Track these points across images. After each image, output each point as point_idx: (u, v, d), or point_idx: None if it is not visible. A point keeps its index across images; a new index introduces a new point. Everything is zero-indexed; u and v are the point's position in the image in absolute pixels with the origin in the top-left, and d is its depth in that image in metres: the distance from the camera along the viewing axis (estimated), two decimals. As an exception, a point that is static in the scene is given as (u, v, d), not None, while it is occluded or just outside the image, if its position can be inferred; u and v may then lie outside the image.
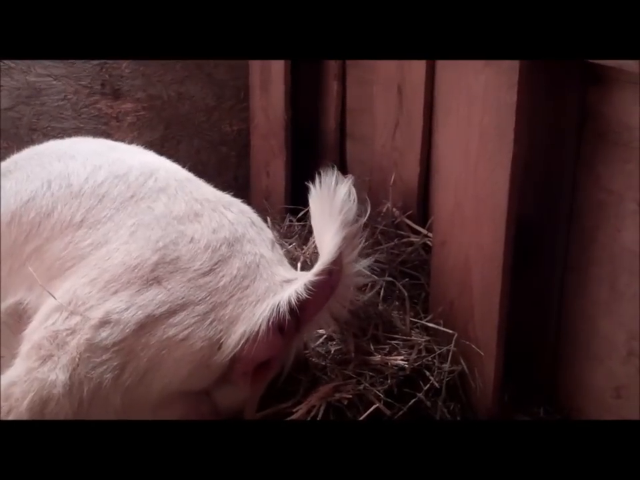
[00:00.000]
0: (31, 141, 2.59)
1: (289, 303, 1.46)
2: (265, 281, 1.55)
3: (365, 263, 1.62)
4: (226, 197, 1.76)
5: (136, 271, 1.50)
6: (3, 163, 1.87)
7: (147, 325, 1.45)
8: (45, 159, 1.77)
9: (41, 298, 1.55)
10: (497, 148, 1.64)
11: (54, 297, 1.49)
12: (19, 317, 1.58)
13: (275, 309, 1.47)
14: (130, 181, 1.67)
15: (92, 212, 1.62)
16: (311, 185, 1.58)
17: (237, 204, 1.75)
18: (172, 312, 1.46)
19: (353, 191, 1.55)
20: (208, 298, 1.49)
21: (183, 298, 1.48)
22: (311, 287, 1.47)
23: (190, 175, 1.82)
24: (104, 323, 1.44)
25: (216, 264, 1.53)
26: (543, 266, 1.81)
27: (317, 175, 1.57)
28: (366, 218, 1.61)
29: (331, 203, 1.51)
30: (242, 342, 1.46)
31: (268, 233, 1.75)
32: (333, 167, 1.58)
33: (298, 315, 1.52)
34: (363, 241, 1.58)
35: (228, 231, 1.60)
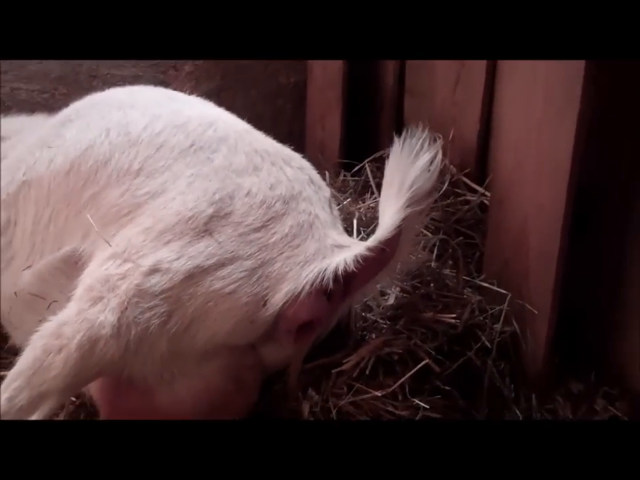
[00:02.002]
0: (90, 88, 2.61)
1: (336, 271, 1.46)
2: (315, 242, 1.54)
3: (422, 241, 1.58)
4: (286, 150, 1.75)
5: (190, 222, 1.50)
6: (65, 111, 1.89)
7: (195, 275, 1.46)
8: (104, 108, 1.78)
9: (95, 245, 1.58)
10: (562, 106, 1.60)
11: (109, 244, 1.51)
12: (74, 264, 1.61)
13: (320, 274, 1.47)
14: (189, 130, 1.67)
15: (149, 161, 1.62)
16: (395, 140, 1.52)
17: (297, 159, 1.74)
18: (220, 265, 1.47)
19: (438, 160, 1.50)
20: (257, 254, 1.49)
21: (232, 252, 1.48)
22: (360, 260, 1.46)
23: (249, 127, 1.81)
24: (154, 270, 1.46)
25: (268, 220, 1.53)
26: (602, 230, 1.77)
27: (404, 131, 1.51)
28: (442, 191, 1.51)
29: (406, 174, 1.47)
30: (286, 301, 1.47)
31: (325, 192, 1.73)
32: (422, 125, 1.51)
33: (345, 283, 1.51)
34: (428, 219, 1.53)
35: (285, 188, 1.59)
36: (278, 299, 1.48)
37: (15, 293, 1.69)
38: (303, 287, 1.46)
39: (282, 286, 1.48)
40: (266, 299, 1.48)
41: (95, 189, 1.63)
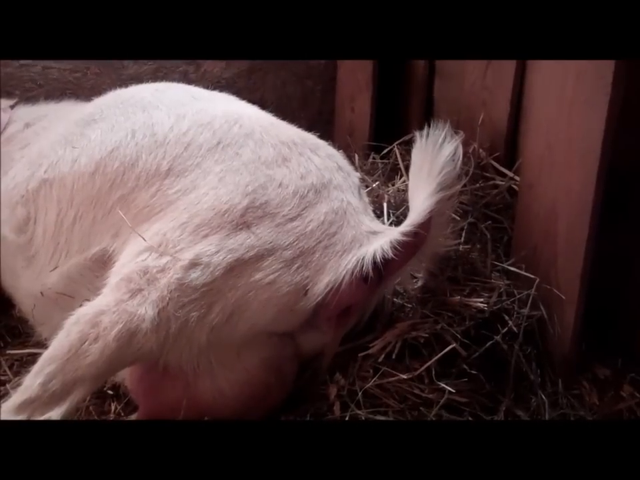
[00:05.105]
0: (121, 67, 2.64)
1: (374, 258, 1.48)
2: (351, 229, 1.56)
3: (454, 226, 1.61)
4: (312, 139, 1.76)
5: (226, 215, 1.52)
6: (88, 109, 1.90)
7: (236, 268, 1.48)
8: (129, 109, 1.79)
9: (126, 244, 1.60)
10: (593, 90, 1.58)
11: (144, 239, 1.52)
12: (104, 264, 1.64)
13: (360, 262, 1.49)
14: (215, 128, 1.68)
15: (178, 160, 1.64)
16: (417, 135, 1.56)
17: (324, 147, 1.75)
18: (260, 256, 1.49)
19: (460, 150, 1.53)
20: (295, 243, 1.51)
21: (270, 242, 1.50)
22: (396, 246, 1.48)
23: (274, 119, 1.82)
24: (194, 264, 1.47)
25: (303, 210, 1.55)
26: (632, 216, 1.76)
27: (426, 125, 1.55)
28: (466, 180, 1.54)
29: (433, 161, 1.50)
30: (326, 291, 1.49)
31: (354, 178, 1.74)
32: (446, 122, 1.55)
33: (381, 269, 1.52)
34: (457, 204, 1.54)
35: (315, 177, 1.61)
36: (319, 289, 1.50)
37: (42, 292, 1.72)
38: (343, 276, 1.49)
39: (322, 276, 1.50)
40: (306, 288, 1.50)
41: (123, 191, 1.65)
